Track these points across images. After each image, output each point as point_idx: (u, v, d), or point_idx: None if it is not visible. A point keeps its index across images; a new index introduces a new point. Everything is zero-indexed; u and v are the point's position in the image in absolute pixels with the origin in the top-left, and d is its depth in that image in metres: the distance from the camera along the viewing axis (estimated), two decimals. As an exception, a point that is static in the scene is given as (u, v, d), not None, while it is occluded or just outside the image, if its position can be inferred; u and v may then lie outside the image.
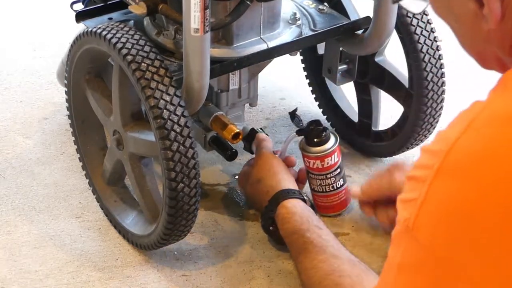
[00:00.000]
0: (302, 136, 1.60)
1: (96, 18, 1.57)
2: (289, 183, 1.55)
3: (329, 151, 1.58)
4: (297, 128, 1.60)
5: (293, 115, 1.62)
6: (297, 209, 1.48)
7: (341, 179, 1.62)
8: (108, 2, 1.59)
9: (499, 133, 0.83)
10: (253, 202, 1.62)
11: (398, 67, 1.70)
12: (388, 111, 1.82)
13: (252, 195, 1.60)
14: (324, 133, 1.58)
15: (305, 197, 1.53)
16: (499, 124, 0.84)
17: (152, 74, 1.38)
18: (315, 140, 1.58)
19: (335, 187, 1.61)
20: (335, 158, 1.59)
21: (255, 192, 1.58)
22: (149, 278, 1.52)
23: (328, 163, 1.58)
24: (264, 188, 1.54)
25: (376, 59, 1.70)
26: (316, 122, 1.59)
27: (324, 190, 1.61)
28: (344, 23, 1.61)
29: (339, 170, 1.61)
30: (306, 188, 1.65)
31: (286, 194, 1.51)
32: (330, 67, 1.71)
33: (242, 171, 1.64)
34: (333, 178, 1.60)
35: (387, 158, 1.78)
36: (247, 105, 1.66)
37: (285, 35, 1.56)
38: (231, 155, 1.56)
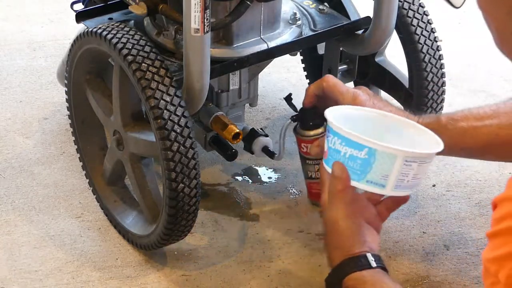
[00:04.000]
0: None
1: (96, 18, 1.57)
2: (363, 244, 1.23)
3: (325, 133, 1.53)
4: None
5: (289, 99, 1.55)
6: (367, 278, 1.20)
7: None
8: (108, 2, 1.59)
9: None
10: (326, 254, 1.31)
11: (398, 67, 1.70)
12: (388, 111, 1.82)
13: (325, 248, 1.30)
14: (320, 115, 1.52)
15: (379, 263, 1.23)
16: None
17: (153, 74, 1.38)
18: (311, 123, 1.51)
19: None
20: None
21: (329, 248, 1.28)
22: (149, 278, 1.52)
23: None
24: (338, 252, 1.24)
25: (376, 59, 1.70)
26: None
27: None
28: (344, 23, 1.61)
29: None
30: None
31: (354, 264, 1.21)
32: (330, 67, 1.71)
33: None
34: None
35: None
36: (247, 105, 1.66)
37: (285, 35, 1.55)
38: (231, 155, 1.56)
